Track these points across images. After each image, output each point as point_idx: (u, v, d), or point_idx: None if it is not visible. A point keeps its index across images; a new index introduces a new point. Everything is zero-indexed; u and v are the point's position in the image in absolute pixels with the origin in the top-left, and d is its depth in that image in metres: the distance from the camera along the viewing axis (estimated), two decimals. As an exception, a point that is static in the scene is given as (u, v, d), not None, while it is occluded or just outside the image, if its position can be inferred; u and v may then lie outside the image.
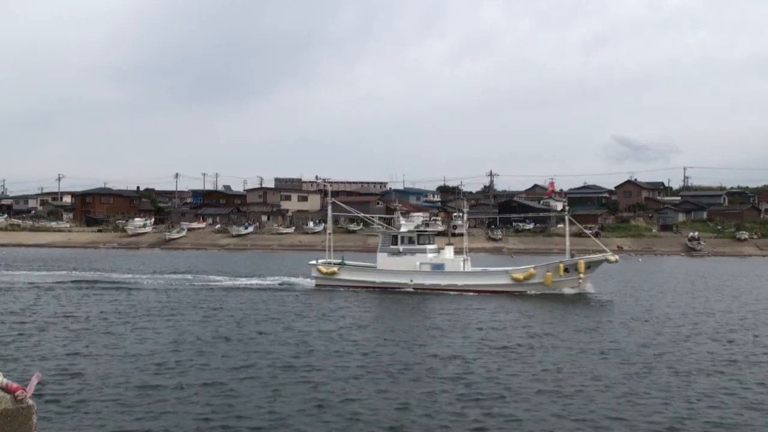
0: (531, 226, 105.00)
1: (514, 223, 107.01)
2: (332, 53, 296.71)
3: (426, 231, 37.98)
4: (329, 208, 43.50)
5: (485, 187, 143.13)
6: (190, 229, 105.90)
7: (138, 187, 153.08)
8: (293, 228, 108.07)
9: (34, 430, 4.96)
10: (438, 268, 35.44)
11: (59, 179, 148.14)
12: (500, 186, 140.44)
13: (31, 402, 5.03)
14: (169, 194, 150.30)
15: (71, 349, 17.75)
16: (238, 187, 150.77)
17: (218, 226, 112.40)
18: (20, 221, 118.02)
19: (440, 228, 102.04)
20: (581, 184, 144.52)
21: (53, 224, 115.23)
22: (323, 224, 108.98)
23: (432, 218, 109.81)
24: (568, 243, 37.31)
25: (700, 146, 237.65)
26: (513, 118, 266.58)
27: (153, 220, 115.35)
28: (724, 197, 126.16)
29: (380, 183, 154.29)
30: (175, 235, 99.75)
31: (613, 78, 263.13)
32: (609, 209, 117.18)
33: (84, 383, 14.07)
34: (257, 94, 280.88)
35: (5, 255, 64.07)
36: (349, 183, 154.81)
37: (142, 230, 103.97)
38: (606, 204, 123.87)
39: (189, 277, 42.30)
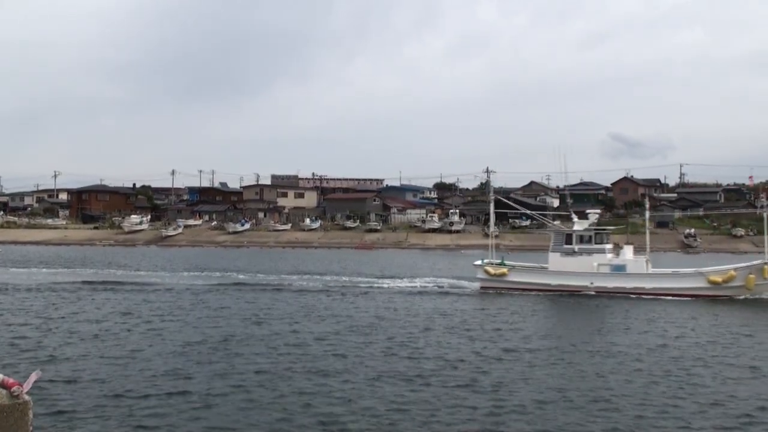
0: (527, 222, 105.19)
1: (510, 220, 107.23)
2: (329, 50, 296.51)
3: (604, 229, 35.14)
4: (491, 205, 39.38)
5: (482, 183, 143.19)
6: (186, 226, 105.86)
7: (134, 184, 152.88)
8: (290, 225, 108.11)
9: (30, 425, 4.99)
10: (619, 269, 32.45)
11: (55, 176, 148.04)
12: (497, 183, 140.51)
13: (27, 398, 5.07)
14: (165, 191, 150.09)
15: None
16: (234, 184, 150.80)
17: (215, 223, 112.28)
18: (16, 219, 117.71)
19: (436, 224, 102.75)
20: (578, 181, 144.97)
21: (49, 221, 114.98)
22: (320, 221, 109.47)
23: (429, 215, 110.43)
24: (767, 243, 30.86)
25: (695, 143, 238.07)
26: (509, 115, 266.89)
27: (149, 217, 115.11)
28: (720, 194, 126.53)
29: (377, 180, 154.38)
30: (171, 232, 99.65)
31: (609, 75, 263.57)
32: (605, 206, 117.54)
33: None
34: (254, 90, 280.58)
35: (2, 252, 63.85)
36: (346, 180, 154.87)
37: (139, 227, 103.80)
38: (602, 201, 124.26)
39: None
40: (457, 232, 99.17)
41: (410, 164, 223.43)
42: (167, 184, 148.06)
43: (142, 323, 22.12)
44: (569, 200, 44.55)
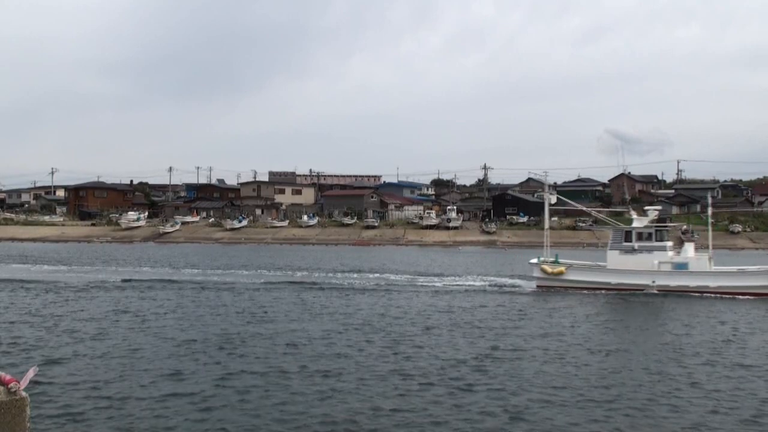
0: (525, 219, 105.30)
1: (507, 216, 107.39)
2: (325, 46, 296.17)
3: (665, 226, 34.22)
4: (546, 202, 38.27)
5: (479, 180, 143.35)
6: (183, 223, 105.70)
7: (131, 181, 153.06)
8: (287, 221, 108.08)
9: (27, 422, 4.99)
10: (681, 267, 31.50)
11: (52, 173, 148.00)
12: (494, 179, 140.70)
13: (24, 394, 5.06)
14: (162, 188, 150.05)
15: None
16: (231, 181, 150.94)
17: (212, 219, 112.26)
18: (13, 215, 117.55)
19: (434, 221, 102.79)
20: (575, 177, 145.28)
21: (46, 218, 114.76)
22: (317, 218, 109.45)
23: (426, 211, 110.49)
24: None
25: (693, 139, 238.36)
26: (506, 111, 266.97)
27: (147, 213, 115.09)
28: (717, 190, 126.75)
29: (374, 176, 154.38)
30: (168, 229, 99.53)
31: (606, 71, 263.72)
32: (603, 202, 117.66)
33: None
34: (251, 87, 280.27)
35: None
36: (344, 176, 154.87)
37: (136, 224, 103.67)
38: (600, 197, 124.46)
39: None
40: (455, 228, 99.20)
41: (408, 161, 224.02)
42: (165, 181, 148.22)
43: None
44: (627, 196, 43.98)
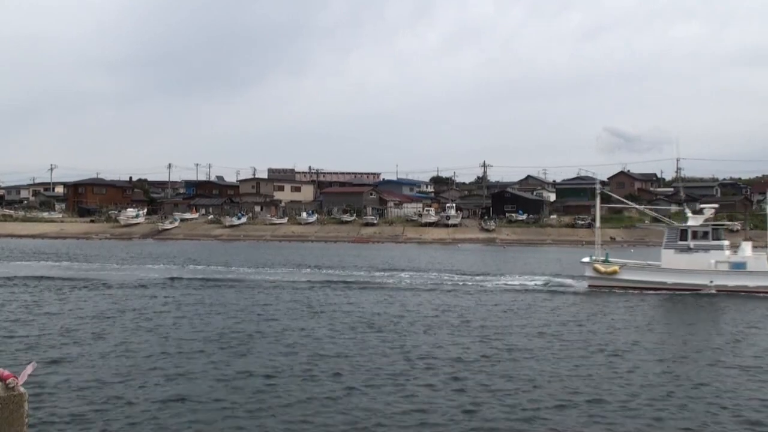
0: (524, 216, 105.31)
1: (506, 214, 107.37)
2: (324, 43, 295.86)
3: (722, 224, 33.32)
4: (597, 200, 37.57)
5: (478, 178, 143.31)
6: (182, 220, 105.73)
7: (130, 178, 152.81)
8: (286, 219, 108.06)
9: (25, 417, 5.00)
10: (739, 266, 30.67)
11: (51, 169, 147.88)
12: (493, 177, 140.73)
13: (22, 390, 5.07)
14: (161, 185, 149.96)
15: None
16: (231, 178, 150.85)
17: (211, 216, 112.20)
18: (12, 212, 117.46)
19: (433, 218, 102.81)
20: (574, 175, 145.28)
21: (45, 215, 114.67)
22: (316, 215, 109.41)
23: (425, 209, 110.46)
24: None
25: (691, 137, 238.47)
26: (506, 109, 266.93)
27: (146, 210, 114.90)
28: (716, 188, 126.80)
29: (373, 174, 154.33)
30: (167, 226, 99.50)
31: (605, 69, 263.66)
32: (602, 200, 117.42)
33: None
34: (250, 84, 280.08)
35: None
36: (343, 174, 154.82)
37: (135, 221, 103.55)
38: (599, 195, 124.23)
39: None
40: (454, 226, 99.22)
41: (407, 158, 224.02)
42: (164, 178, 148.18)
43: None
44: (682, 194, 42.98)
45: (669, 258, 32.07)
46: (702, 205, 35.03)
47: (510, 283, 34.20)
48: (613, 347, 17.99)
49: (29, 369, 5.37)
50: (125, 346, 17.19)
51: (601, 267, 32.63)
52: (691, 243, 31.56)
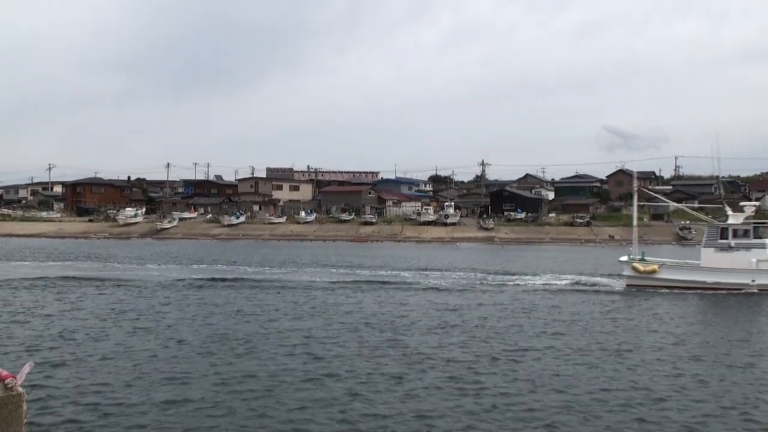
0: (522, 215, 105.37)
1: (505, 212, 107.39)
2: (322, 42, 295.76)
3: (764, 223, 32.57)
4: (636, 196, 37.20)
5: (477, 176, 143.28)
6: (181, 219, 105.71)
7: (129, 177, 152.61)
8: (285, 218, 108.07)
9: (24, 417, 4.99)
10: None
11: (50, 169, 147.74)
12: (492, 176, 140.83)
13: (21, 390, 5.06)
14: (160, 184, 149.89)
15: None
16: (229, 177, 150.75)
17: (210, 215, 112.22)
18: (10, 211, 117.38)
19: (432, 217, 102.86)
20: (573, 174, 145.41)
21: (44, 214, 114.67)
22: (315, 214, 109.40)
23: (424, 207, 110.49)
24: None
25: (690, 135, 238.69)
26: (504, 107, 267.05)
27: (144, 209, 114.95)
28: (715, 186, 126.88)
29: (372, 172, 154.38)
30: (166, 225, 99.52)
31: (604, 67, 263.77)
32: (600, 198, 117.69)
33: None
34: (248, 83, 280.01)
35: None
36: (341, 173, 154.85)
37: (133, 220, 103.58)
38: (597, 193, 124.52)
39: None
40: (453, 224, 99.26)
41: (405, 157, 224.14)
42: (162, 177, 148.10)
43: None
44: (721, 191, 42.25)
45: (709, 257, 31.42)
46: (743, 203, 34.37)
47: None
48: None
49: (27, 369, 5.35)
50: (125, 346, 17.12)
51: (640, 266, 31.99)
52: (732, 241, 30.93)
